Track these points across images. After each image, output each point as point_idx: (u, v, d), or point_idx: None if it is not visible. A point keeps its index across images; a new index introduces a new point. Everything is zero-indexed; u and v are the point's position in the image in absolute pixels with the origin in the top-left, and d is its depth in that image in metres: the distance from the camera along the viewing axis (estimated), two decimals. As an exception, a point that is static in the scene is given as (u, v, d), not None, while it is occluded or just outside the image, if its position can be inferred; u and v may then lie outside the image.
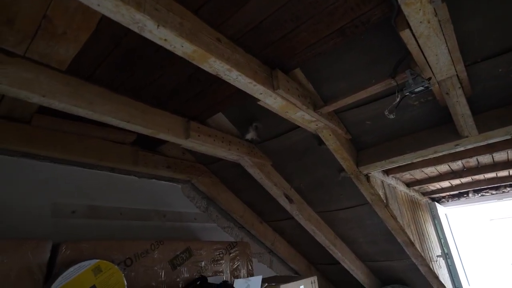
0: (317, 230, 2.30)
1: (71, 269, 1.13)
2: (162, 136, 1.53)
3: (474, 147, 1.75)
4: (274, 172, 2.10)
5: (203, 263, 1.67)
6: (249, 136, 1.86)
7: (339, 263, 2.62)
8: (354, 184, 1.92)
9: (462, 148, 1.51)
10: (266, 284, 1.64)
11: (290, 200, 2.15)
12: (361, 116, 1.64)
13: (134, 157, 1.90)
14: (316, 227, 2.30)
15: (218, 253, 1.76)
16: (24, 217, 1.47)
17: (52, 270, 1.16)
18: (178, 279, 1.53)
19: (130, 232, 1.84)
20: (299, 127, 1.76)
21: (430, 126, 1.59)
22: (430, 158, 1.88)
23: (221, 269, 1.74)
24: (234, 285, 1.29)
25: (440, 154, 1.57)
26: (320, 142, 1.82)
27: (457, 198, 2.97)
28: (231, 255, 1.84)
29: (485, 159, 2.00)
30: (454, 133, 1.49)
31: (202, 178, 2.24)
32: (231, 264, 1.81)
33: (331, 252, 2.48)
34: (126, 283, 1.25)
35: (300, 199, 2.26)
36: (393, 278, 2.74)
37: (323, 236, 2.34)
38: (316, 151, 1.90)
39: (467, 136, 1.43)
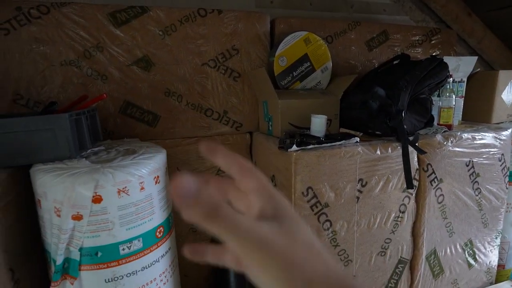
0: None
1: (289, 37, 1.31)
2: None
3: None
4: None
5: (398, 48, 1.59)
6: None
7: None
8: None
9: None
10: (478, 69, 1.44)
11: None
12: None
13: None
14: None
15: (416, 39, 1.61)
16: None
17: (272, 40, 1.39)
18: (373, 60, 1.56)
19: (319, 23, 1.89)
20: None
21: None
22: None
23: (418, 57, 1.63)
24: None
25: None
26: None
27: None
28: (432, 42, 1.64)
29: None
30: None
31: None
32: (431, 52, 1.64)
33: None
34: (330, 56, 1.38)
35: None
36: None
37: None
38: None
39: None
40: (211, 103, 1.34)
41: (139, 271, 0.84)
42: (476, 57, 1.35)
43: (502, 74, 1.38)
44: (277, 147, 1.07)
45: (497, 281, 1.47)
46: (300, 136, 1.07)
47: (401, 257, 1.19)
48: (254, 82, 1.33)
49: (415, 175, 1.14)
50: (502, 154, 1.28)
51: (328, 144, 1.02)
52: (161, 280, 0.91)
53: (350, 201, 1.05)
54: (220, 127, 1.37)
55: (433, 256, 1.25)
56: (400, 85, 1.11)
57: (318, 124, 1.11)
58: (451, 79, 1.28)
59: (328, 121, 1.25)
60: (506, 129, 1.29)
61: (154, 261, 0.89)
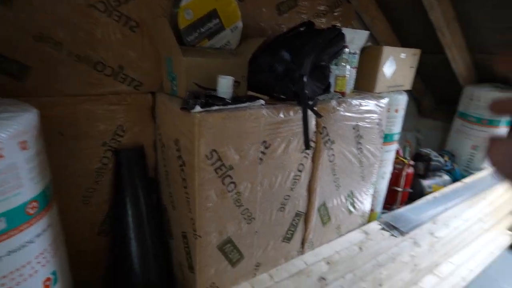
0: (436, 5, 1.94)
1: (195, -14, 1.17)
2: None
3: None
4: None
5: (305, 16, 1.64)
6: None
7: (440, 53, 2.39)
8: None
9: None
10: (370, 43, 1.61)
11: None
12: None
13: None
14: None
15: (322, 9, 1.68)
16: None
17: (177, -12, 1.23)
18: (282, 25, 1.57)
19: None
20: None
21: None
22: None
23: (322, 27, 1.71)
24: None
25: None
26: None
27: None
28: (334, 14, 1.74)
29: None
30: None
31: None
32: (333, 23, 1.75)
33: (439, 36, 2.20)
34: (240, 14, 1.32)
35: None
36: (495, 75, 2.50)
37: (439, 13, 2.00)
38: None
39: None
40: (102, 56, 1.13)
41: (4, 256, 0.69)
42: (368, 32, 1.51)
43: (385, 49, 1.59)
44: (180, 108, 0.99)
45: (368, 222, 1.81)
46: (205, 97, 1.01)
47: (297, 211, 1.32)
48: (156, 35, 1.18)
49: (312, 137, 1.24)
50: (380, 119, 1.52)
51: (234, 106, 0.99)
52: (39, 263, 0.78)
53: (254, 162, 1.08)
54: (115, 85, 1.19)
55: (323, 208, 1.43)
56: (305, 51, 1.15)
57: (225, 85, 1.07)
58: (347, 49, 1.40)
59: (236, 83, 1.22)
60: (383, 98, 1.52)
61: (27, 242, 0.74)
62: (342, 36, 1.27)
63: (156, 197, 1.41)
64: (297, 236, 1.37)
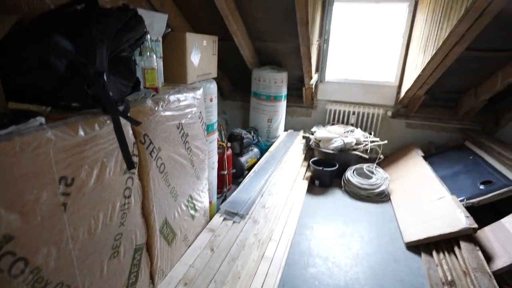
0: (219, -6, 2.03)
1: None
2: None
3: None
4: None
5: (80, -10, 1.23)
6: None
7: (231, 40, 2.61)
8: None
9: None
10: (170, 29, 1.44)
11: None
12: None
13: None
14: (220, -10, 2.01)
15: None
16: None
17: None
18: (47, 0, 1.10)
19: None
20: None
21: None
22: None
23: (107, 6, 1.35)
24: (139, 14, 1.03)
25: None
26: None
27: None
28: (119, -9, 1.42)
29: None
30: None
31: None
32: (122, 2, 1.43)
33: (227, 24, 2.36)
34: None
35: None
36: (272, 60, 3.06)
37: (224, 3, 2.11)
38: None
39: None
40: None
41: None
42: (167, 15, 1.33)
43: (189, 36, 1.48)
44: None
45: (211, 217, 1.76)
46: None
47: (136, 245, 1.04)
48: None
49: (133, 150, 0.97)
50: (200, 112, 1.43)
51: (-18, 137, 0.56)
52: None
53: (54, 213, 0.70)
54: None
55: (165, 226, 1.21)
56: (94, 37, 0.83)
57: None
58: (148, 36, 1.17)
59: (-21, 93, 0.73)
60: (199, 89, 1.43)
61: None
62: (140, 19, 1.02)
63: None
64: (143, 275, 1.09)
